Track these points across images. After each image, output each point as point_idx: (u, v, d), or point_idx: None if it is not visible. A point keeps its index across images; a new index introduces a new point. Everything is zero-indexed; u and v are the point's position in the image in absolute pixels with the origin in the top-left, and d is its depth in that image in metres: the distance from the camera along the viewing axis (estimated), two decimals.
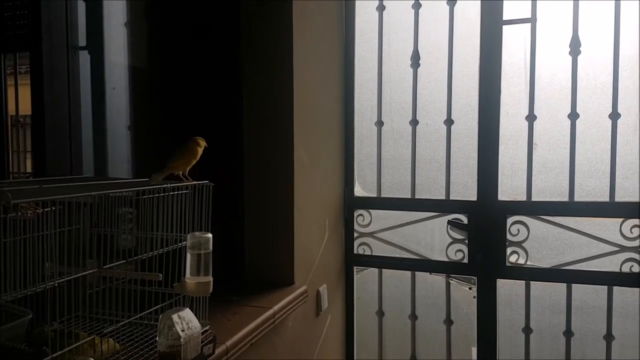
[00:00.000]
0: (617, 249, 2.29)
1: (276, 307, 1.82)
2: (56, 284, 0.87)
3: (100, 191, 1.03)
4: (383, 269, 2.70)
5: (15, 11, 2.42)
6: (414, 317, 2.66)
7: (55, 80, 1.61)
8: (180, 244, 1.29)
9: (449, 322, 2.60)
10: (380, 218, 2.67)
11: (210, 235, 1.25)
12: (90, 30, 2.18)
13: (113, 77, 2.26)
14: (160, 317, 1.16)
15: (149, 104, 2.30)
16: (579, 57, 2.31)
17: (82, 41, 2.15)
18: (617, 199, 2.29)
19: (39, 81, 1.53)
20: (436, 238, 2.57)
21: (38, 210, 0.81)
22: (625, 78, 2.26)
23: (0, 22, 2.41)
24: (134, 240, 1.30)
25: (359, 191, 2.69)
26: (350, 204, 2.68)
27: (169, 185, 1.27)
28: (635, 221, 2.25)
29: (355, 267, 2.72)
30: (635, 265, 2.26)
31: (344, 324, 2.72)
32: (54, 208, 0.85)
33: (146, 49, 2.27)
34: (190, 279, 1.23)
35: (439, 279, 2.61)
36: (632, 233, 2.26)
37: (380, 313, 2.72)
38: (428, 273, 2.62)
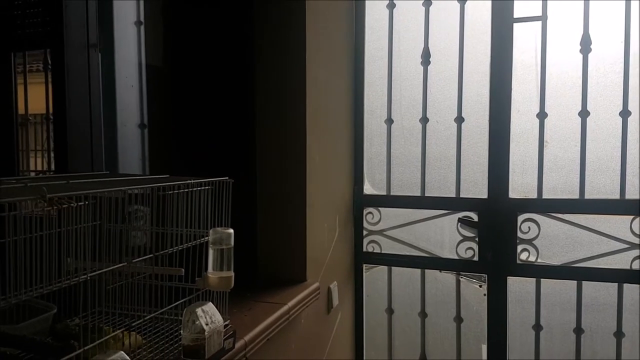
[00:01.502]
0: (627, 246, 2.30)
1: (291, 303, 1.83)
2: (89, 277, 0.87)
3: (131, 186, 1.04)
4: (393, 267, 2.70)
5: (25, 10, 2.43)
6: (423, 314, 2.67)
7: (77, 78, 1.62)
8: (202, 239, 1.30)
9: (459, 319, 2.61)
10: (390, 216, 2.67)
11: (231, 230, 1.26)
12: (102, 28, 2.19)
13: (125, 74, 2.28)
14: (185, 310, 1.17)
15: (161, 102, 2.31)
16: (590, 55, 2.32)
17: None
18: (627, 197, 2.29)
19: (61, 79, 1.54)
20: (446, 236, 2.58)
21: (72, 205, 0.82)
22: (636, 76, 2.27)
23: (9, 21, 2.42)
24: (151, 236, 1.31)
25: (368, 189, 2.70)
26: (360, 201, 2.69)
27: (192, 181, 1.27)
28: None
29: (364, 265, 2.72)
30: None
31: (354, 321, 2.73)
32: (87, 202, 0.86)
33: (160, 47, 2.28)
34: (212, 273, 1.24)
35: (449, 277, 2.61)
36: None
37: (390, 311, 2.73)
38: (438, 271, 2.63)
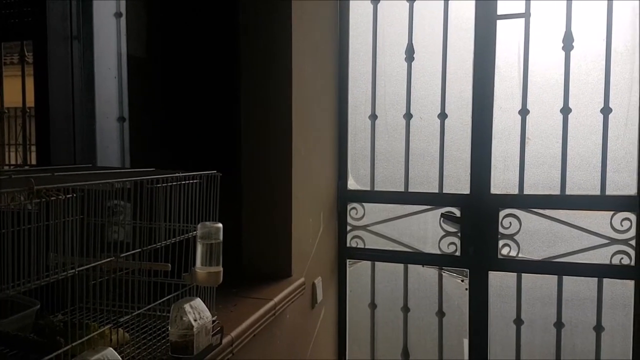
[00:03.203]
0: (607, 241, 2.33)
1: (277, 299, 1.82)
2: (77, 272, 0.85)
3: (120, 179, 1.01)
4: (376, 262, 2.71)
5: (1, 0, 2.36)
6: (406, 309, 2.68)
7: (59, 70, 1.58)
8: (190, 234, 1.28)
9: (440, 314, 2.62)
10: (374, 211, 2.67)
11: (220, 225, 1.24)
12: (82, 19, 2.14)
13: (106, 66, 2.23)
14: (172, 306, 1.15)
15: (142, 94, 2.27)
16: (572, 53, 2.34)
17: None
18: (607, 193, 2.33)
19: (44, 71, 1.50)
20: (429, 231, 2.59)
21: (61, 197, 0.80)
22: (617, 73, 2.30)
23: None
24: (139, 231, 1.28)
25: (352, 184, 2.70)
26: (344, 197, 2.68)
27: (180, 174, 1.25)
28: (625, 214, 2.30)
29: (348, 260, 2.72)
30: (625, 257, 2.31)
31: (337, 316, 2.73)
32: (74, 195, 0.84)
33: (141, 39, 2.24)
34: (200, 269, 1.22)
35: (431, 272, 2.62)
36: (622, 226, 2.30)
37: (373, 305, 2.73)
38: (420, 266, 2.64)
